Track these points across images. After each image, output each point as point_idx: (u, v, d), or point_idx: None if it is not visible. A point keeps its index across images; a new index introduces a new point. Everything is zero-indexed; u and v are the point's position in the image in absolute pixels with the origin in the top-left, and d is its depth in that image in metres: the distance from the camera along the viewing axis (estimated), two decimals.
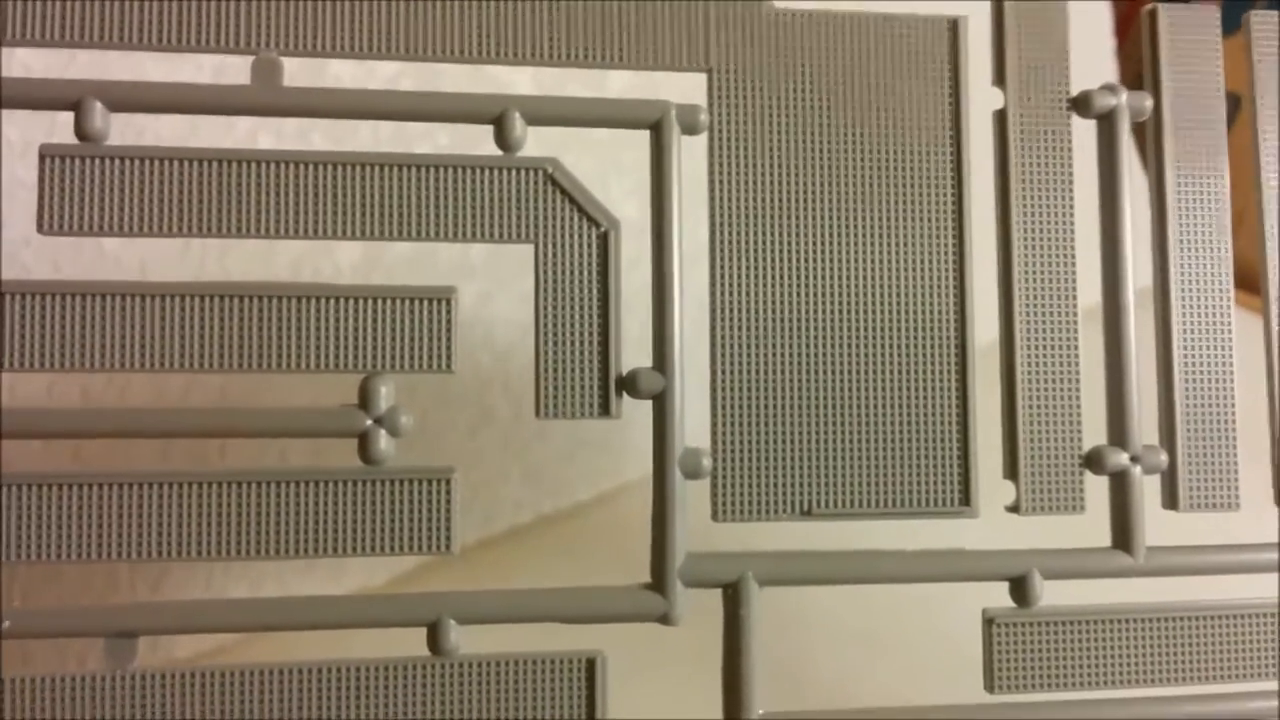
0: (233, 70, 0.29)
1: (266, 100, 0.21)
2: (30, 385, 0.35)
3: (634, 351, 0.23)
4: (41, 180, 0.21)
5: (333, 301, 0.21)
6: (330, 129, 0.37)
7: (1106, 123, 0.24)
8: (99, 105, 0.21)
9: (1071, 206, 0.24)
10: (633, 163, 0.28)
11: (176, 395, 0.37)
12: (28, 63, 0.33)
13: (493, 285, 0.42)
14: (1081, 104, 0.24)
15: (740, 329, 0.23)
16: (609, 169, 0.31)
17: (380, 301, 0.22)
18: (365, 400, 0.21)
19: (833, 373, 0.23)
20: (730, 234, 0.23)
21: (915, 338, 0.23)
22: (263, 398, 0.36)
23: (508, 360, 0.42)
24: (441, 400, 0.41)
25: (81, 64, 0.31)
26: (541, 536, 0.42)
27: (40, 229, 0.21)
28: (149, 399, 0.37)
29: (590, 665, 0.22)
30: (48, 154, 0.21)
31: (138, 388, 0.36)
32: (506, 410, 0.43)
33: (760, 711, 0.22)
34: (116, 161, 0.21)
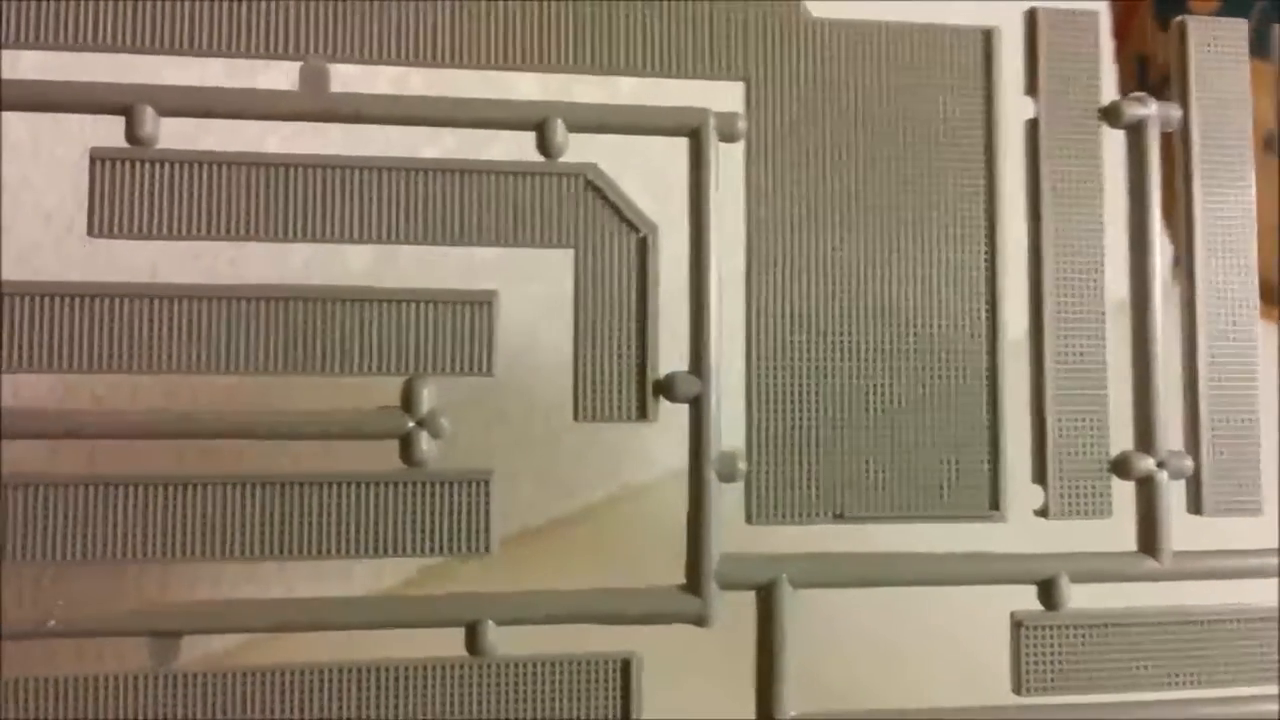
0: (241, 74, 0.29)
1: (315, 106, 0.22)
2: (36, 385, 0.35)
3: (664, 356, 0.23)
4: (92, 184, 0.21)
5: (374, 305, 0.22)
6: (342, 130, 0.37)
7: (1136, 133, 0.25)
8: (150, 110, 0.21)
9: (1101, 215, 0.24)
10: (643, 165, 0.28)
11: (186, 398, 0.37)
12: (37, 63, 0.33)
13: (501, 286, 0.42)
14: (1112, 114, 0.24)
15: (775, 334, 0.23)
16: (621, 171, 0.32)
17: (421, 306, 0.22)
18: (407, 403, 0.22)
19: (866, 378, 0.23)
20: (766, 240, 0.23)
21: (947, 344, 0.23)
22: (268, 400, 0.37)
23: (518, 362, 0.42)
24: (452, 401, 0.42)
25: (87, 66, 0.31)
26: (554, 538, 0.43)
27: (90, 232, 0.21)
28: (158, 400, 0.37)
29: (626, 665, 0.22)
30: (98, 157, 0.21)
31: (145, 389, 0.36)
32: (518, 411, 0.43)
33: (792, 713, 0.23)
34: (166, 166, 0.21)
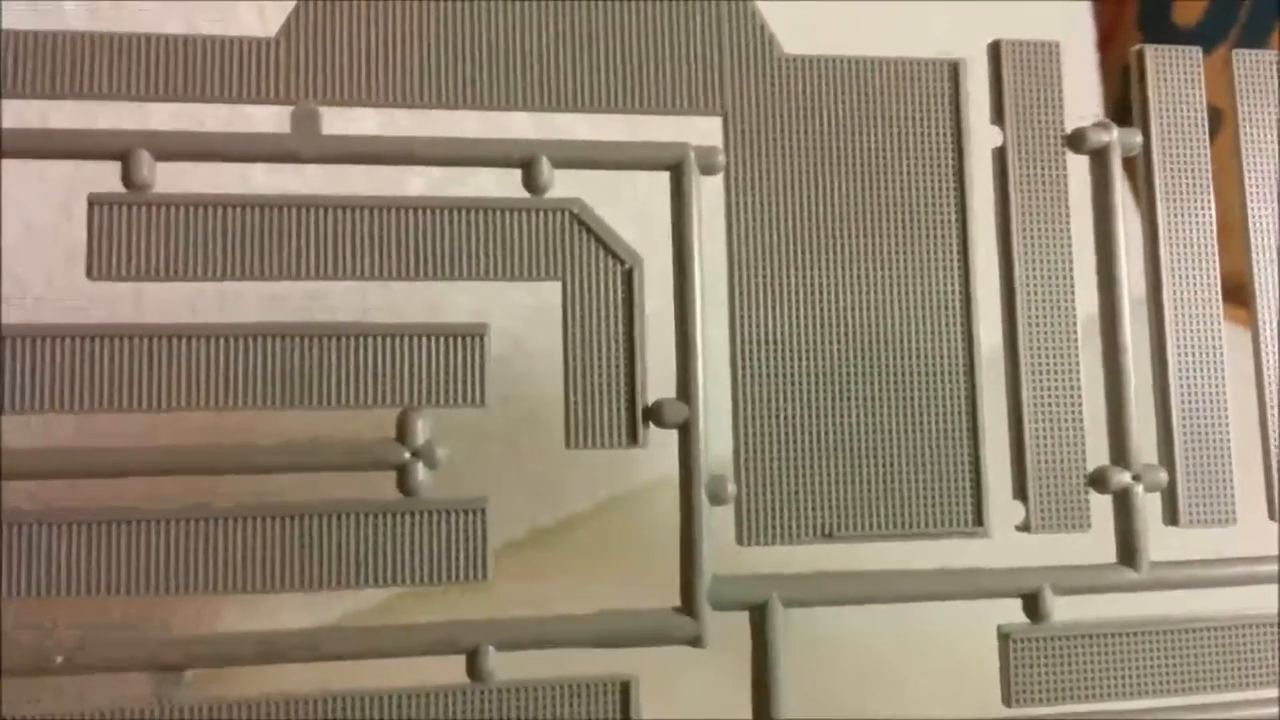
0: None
1: (307, 148, 0.22)
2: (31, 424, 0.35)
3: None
4: (90, 227, 0.21)
5: (368, 339, 0.22)
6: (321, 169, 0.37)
7: (1099, 157, 0.25)
8: (146, 155, 0.22)
9: (1069, 238, 0.25)
10: (628, 196, 0.29)
11: (167, 431, 0.37)
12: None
13: (484, 305, 0.42)
14: (1076, 140, 0.25)
15: (760, 359, 0.24)
16: (602, 202, 0.32)
17: (414, 338, 0.22)
18: (402, 434, 0.22)
19: (850, 400, 0.24)
20: (747, 268, 0.24)
21: (926, 366, 0.24)
22: (251, 433, 0.37)
23: (500, 376, 0.42)
24: (437, 418, 0.42)
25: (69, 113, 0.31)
26: (536, 550, 0.42)
27: (90, 275, 0.21)
28: (140, 435, 0.37)
29: (625, 688, 0.22)
30: (96, 202, 0.22)
31: (120, 423, 0.36)
32: (501, 426, 0.43)
33: None
34: (162, 209, 0.22)
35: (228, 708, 0.21)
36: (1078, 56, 0.66)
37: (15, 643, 0.21)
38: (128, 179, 0.22)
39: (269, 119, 0.33)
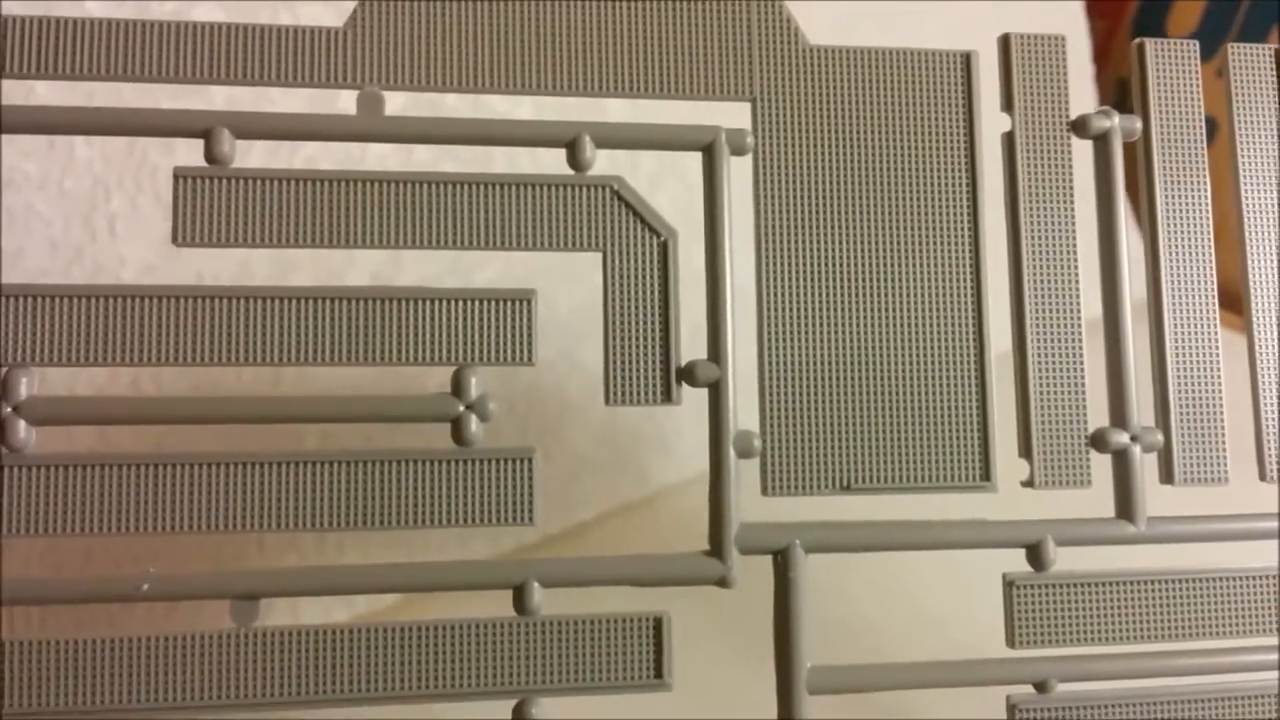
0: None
1: (371, 128, 0.24)
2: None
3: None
4: (176, 199, 0.24)
5: (428, 303, 0.24)
6: (328, 148, 0.39)
7: (1102, 143, 0.27)
8: (227, 133, 0.24)
9: (1073, 218, 0.27)
10: (649, 173, 0.31)
11: (209, 386, 0.39)
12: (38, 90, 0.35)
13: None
14: (1080, 126, 0.27)
15: (785, 325, 0.26)
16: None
17: (469, 303, 0.24)
18: (457, 389, 0.24)
19: (868, 364, 0.26)
20: (773, 242, 0.26)
21: (941, 334, 0.26)
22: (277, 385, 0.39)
23: (511, 378, 0.44)
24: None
25: (103, 94, 0.33)
26: (547, 554, 0.44)
27: (175, 241, 0.24)
28: (184, 389, 0.38)
29: (658, 624, 0.25)
30: (181, 175, 0.24)
31: (168, 378, 0.38)
32: (511, 431, 0.45)
33: (809, 664, 0.25)
34: (242, 182, 0.24)
35: (296, 634, 0.24)
36: (1072, 70, 0.67)
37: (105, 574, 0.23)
38: (210, 155, 0.24)
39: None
